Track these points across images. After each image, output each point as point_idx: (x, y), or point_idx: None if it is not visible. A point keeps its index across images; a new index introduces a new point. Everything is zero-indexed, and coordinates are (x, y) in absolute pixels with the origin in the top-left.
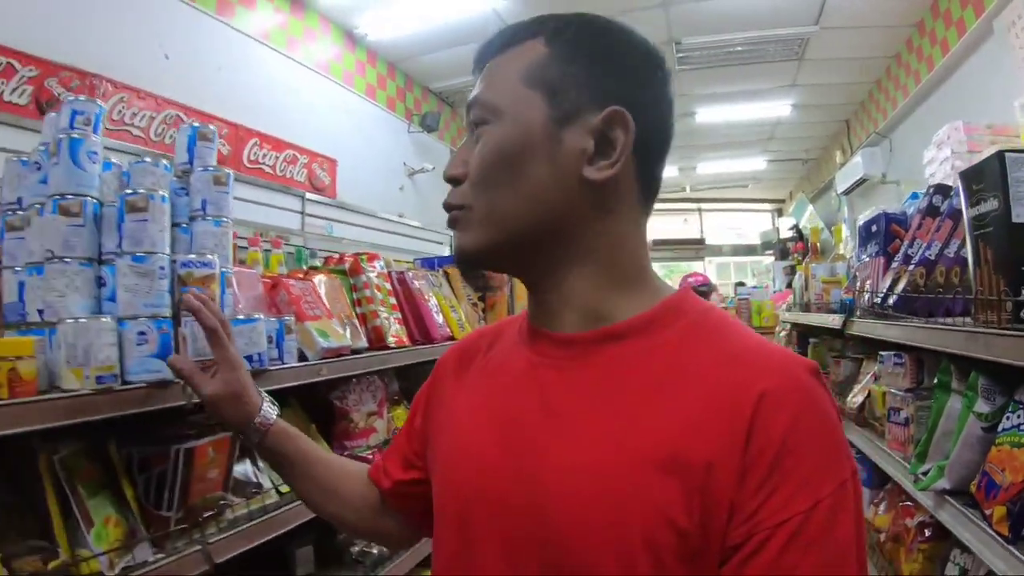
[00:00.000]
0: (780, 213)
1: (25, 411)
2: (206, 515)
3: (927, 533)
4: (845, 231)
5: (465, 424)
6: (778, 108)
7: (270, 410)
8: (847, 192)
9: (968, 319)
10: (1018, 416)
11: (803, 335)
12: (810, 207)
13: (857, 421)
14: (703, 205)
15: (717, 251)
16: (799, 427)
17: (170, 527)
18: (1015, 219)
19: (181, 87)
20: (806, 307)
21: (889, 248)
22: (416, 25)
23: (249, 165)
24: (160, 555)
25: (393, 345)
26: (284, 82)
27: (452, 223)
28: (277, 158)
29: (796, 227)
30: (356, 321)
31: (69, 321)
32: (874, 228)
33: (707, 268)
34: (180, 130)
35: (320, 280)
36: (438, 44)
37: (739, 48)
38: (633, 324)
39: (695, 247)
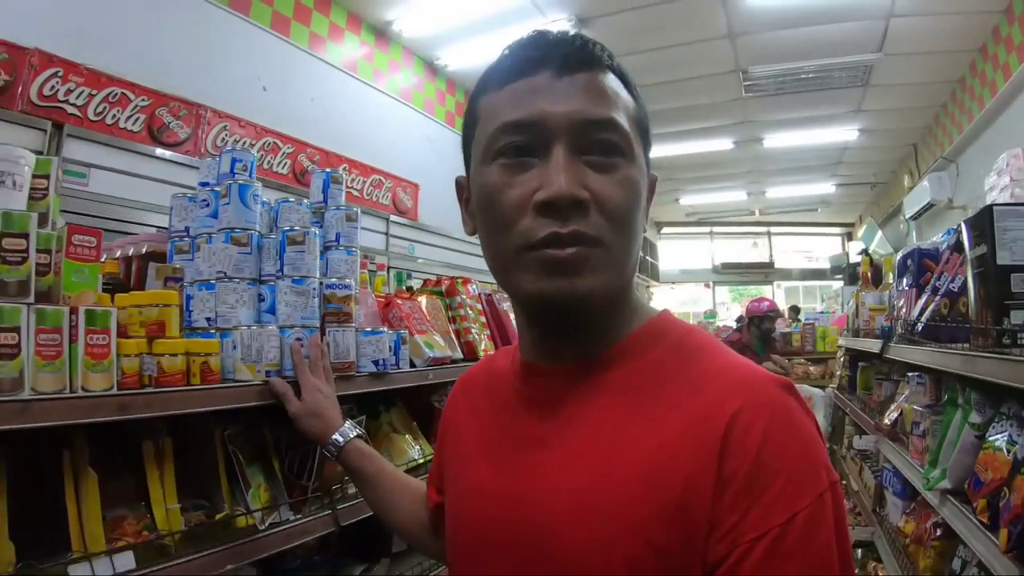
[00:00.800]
0: (850, 237)
1: (213, 395)
2: (334, 487)
3: (938, 532)
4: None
5: (471, 454)
6: (845, 133)
7: (349, 430)
8: (915, 217)
9: (967, 344)
10: (1002, 426)
11: (854, 359)
12: (879, 232)
13: (890, 436)
14: (772, 229)
15: (786, 275)
16: (772, 442)
17: (307, 495)
18: (999, 261)
19: (277, 116)
20: (856, 333)
21: (921, 280)
22: (493, 55)
23: None
24: (298, 516)
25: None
26: (370, 111)
27: (579, 261)
28: (364, 182)
29: (865, 251)
30: (452, 336)
31: (244, 328)
32: (908, 262)
33: (775, 292)
34: (315, 174)
35: (423, 300)
36: None
37: (804, 76)
38: (615, 351)
39: (764, 271)
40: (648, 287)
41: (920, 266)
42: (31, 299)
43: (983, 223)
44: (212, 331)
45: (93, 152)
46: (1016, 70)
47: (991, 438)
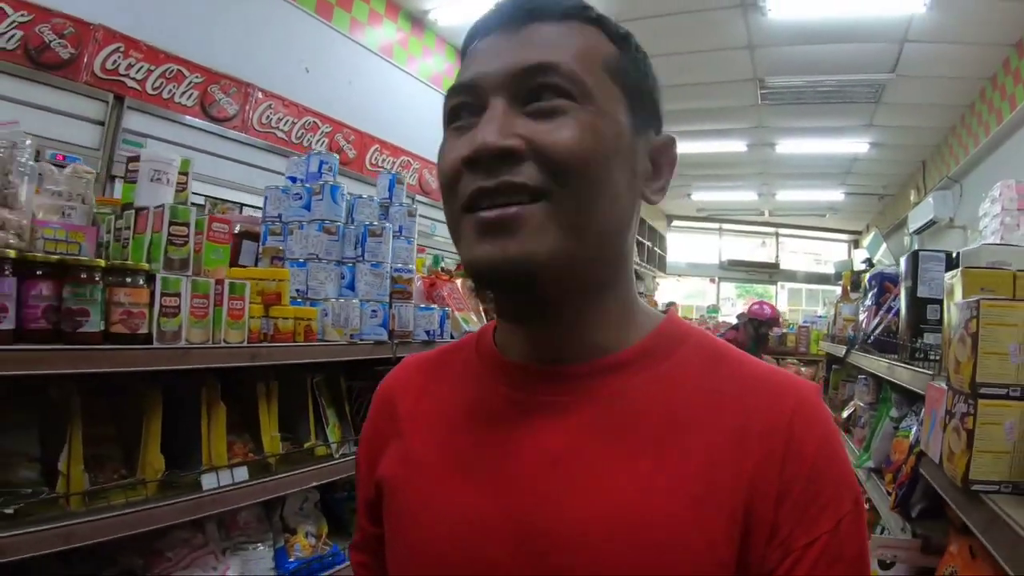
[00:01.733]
0: (856, 245)
1: (314, 350)
2: None
3: (867, 506)
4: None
5: (434, 477)
6: (855, 145)
7: None
8: (919, 232)
9: (895, 355)
10: (910, 420)
11: (830, 362)
12: (884, 244)
13: (845, 429)
14: (781, 230)
15: (791, 276)
16: (824, 450)
17: None
18: (919, 294)
19: (317, 97)
20: (833, 339)
21: (880, 300)
22: None
23: (371, 168)
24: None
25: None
26: (402, 94)
27: (510, 220)
28: (394, 163)
29: (868, 260)
30: (483, 314)
31: (334, 299)
32: (873, 283)
33: (779, 293)
34: (382, 174)
35: (459, 281)
36: None
37: (818, 89)
38: (632, 354)
39: (769, 270)
40: (655, 278)
41: (881, 287)
42: (190, 272)
43: (911, 263)
44: (300, 300)
45: (150, 123)
46: (1022, 102)
47: (903, 428)
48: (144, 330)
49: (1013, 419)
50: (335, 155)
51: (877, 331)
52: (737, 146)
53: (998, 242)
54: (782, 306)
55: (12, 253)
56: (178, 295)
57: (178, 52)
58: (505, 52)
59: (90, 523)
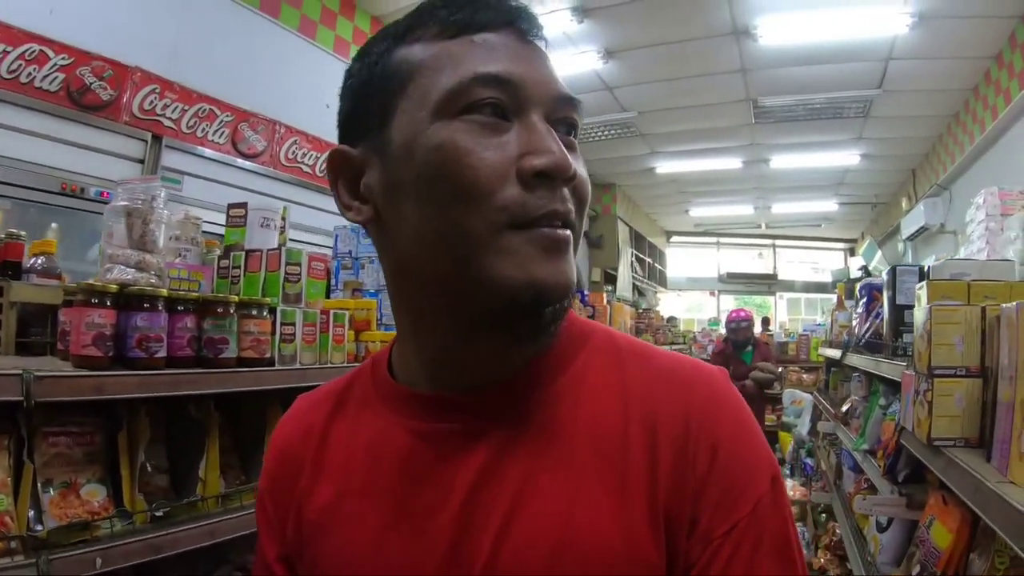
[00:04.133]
0: (852, 253)
1: None
2: None
3: (865, 486)
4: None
5: (351, 526)
6: (847, 158)
7: None
8: (911, 238)
9: (881, 354)
10: (895, 406)
11: (828, 365)
12: (879, 251)
13: (843, 422)
14: (777, 242)
15: (789, 286)
16: (735, 434)
17: None
18: (898, 302)
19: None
20: (830, 344)
21: (870, 307)
22: None
23: None
24: None
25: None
26: None
27: (565, 243)
28: None
29: (864, 268)
30: None
31: None
32: (864, 293)
33: (777, 303)
34: None
35: None
36: None
37: (809, 107)
38: (539, 367)
39: (767, 282)
40: (656, 293)
41: (871, 296)
42: (303, 305)
43: (891, 276)
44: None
45: (186, 161)
46: (1003, 111)
47: (890, 413)
48: (269, 354)
49: (961, 392)
50: None
51: (867, 334)
52: (733, 163)
53: (962, 257)
54: (781, 316)
55: (165, 292)
56: (293, 324)
57: (210, 92)
58: (535, 66)
59: (228, 521)
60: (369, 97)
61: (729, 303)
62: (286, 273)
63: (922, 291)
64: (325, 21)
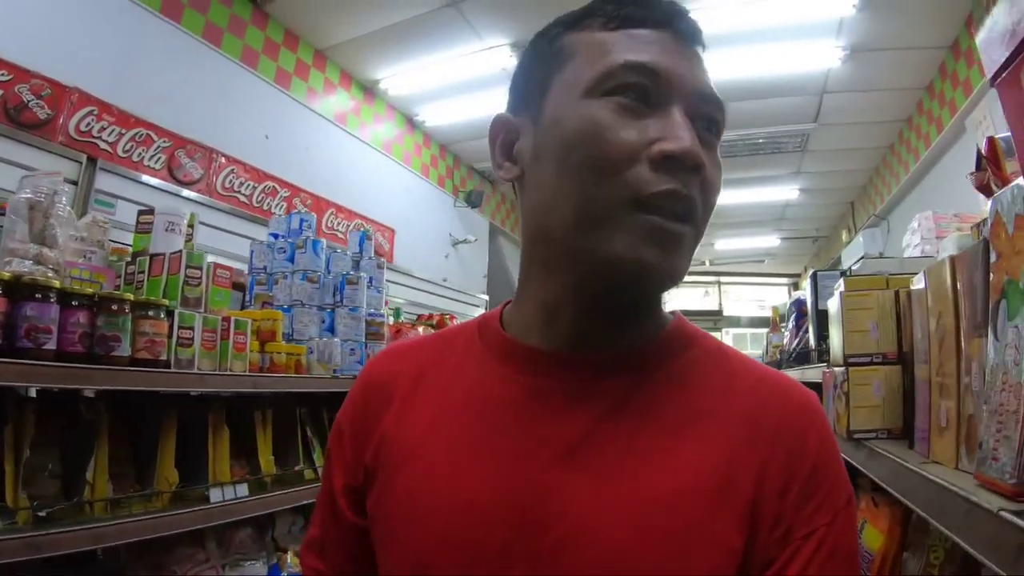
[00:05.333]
0: (796, 287)
1: (305, 382)
2: None
3: None
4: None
5: (437, 461)
6: (786, 192)
7: None
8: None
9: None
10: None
11: None
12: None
13: None
14: (722, 279)
15: (735, 322)
16: (824, 447)
17: None
18: (820, 307)
19: (276, 162)
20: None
21: (799, 323)
22: (466, 115)
23: (326, 231)
24: None
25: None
26: (355, 160)
27: (680, 236)
28: (348, 226)
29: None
30: None
31: (318, 339)
32: (792, 309)
33: (723, 338)
34: (352, 233)
35: (420, 329)
36: (484, 131)
37: (748, 142)
38: (648, 350)
39: (713, 318)
40: None
41: (799, 311)
42: (202, 309)
43: (813, 281)
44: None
45: (120, 184)
46: (935, 140)
47: None
48: (164, 357)
49: (879, 379)
50: (313, 215)
51: (797, 348)
52: None
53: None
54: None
55: (57, 284)
56: (192, 328)
57: (148, 117)
58: (684, 63)
59: (116, 526)
60: (533, 72)
61: None
62: (186, 276)
63: (839, 288)
64: (268, 52)
